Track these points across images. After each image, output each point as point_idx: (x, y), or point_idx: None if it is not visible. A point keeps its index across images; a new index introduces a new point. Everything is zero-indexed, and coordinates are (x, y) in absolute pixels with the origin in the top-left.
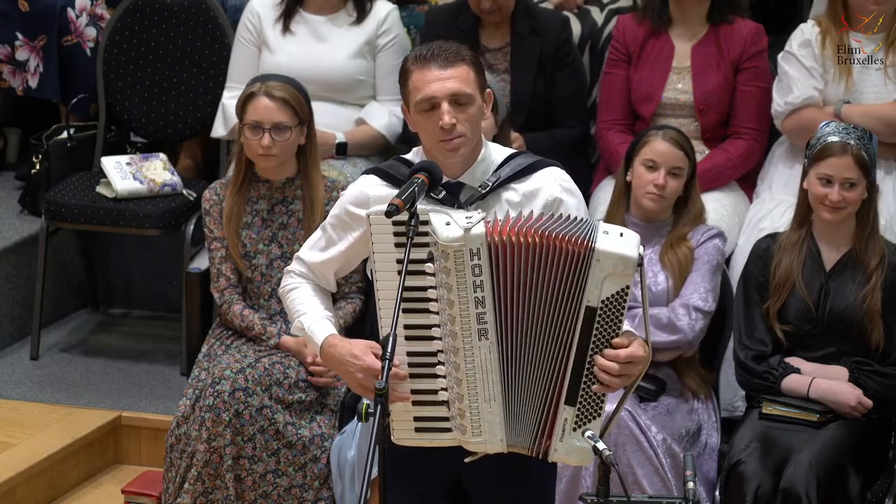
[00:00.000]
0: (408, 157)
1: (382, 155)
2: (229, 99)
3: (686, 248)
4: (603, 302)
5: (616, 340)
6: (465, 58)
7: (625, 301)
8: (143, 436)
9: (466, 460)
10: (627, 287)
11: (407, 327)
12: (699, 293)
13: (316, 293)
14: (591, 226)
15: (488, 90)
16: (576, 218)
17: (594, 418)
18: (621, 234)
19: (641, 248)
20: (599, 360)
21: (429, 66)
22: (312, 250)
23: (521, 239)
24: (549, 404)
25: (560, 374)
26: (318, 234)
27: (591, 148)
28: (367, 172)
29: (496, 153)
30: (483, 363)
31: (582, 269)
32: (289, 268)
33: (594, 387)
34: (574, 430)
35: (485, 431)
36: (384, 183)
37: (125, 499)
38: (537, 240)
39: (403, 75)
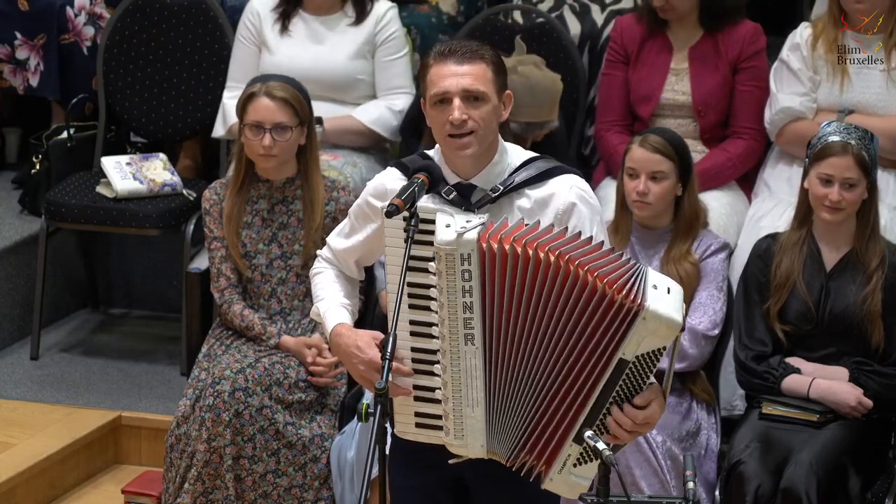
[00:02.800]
0: (430, 153)
1: (383, 151)
2: (229, 99)
3: (689, 263)
4: (636, 358)
5: (638, 399)
6: (484, 56)
7: (658, 359)
8: (143, 436)
9: (450, 462)
10: (664, 347)
11: (413, 323)
12: (708, 317)
13: (338, 279)
14: (638, 273)
15: (508, 92)
16: (622, 254)
17: (595, 460)
18: (668, 290)
19: (683, 306)
20: (617, 413)
21: (446, 61)
22: (339, 236)
23: (530, 252)
24: (554, 432)
25: (575, 412)
26: (344, 220)
27: (591, 149)
28: (390, 165)
29: (514, 156)
30: (468, 368)
31: (624, 323)
32: (319, 251)
33: (602, 437)
34: (574, 466)
35: (466, 435)
36: (403, 177)
37: (125, 499)
38: (572, 269)
39: (423, 70)
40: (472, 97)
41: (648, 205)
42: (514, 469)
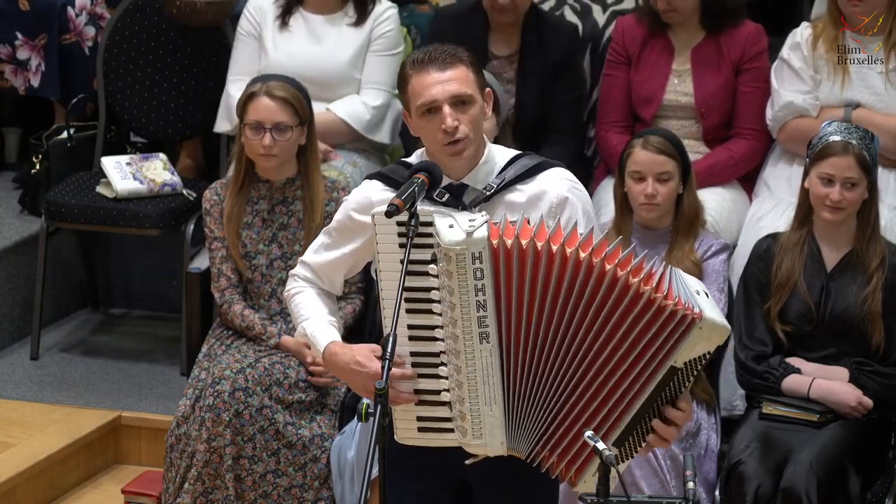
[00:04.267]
0: (409, 160)
1: (383, 152)
2: (238, 91)
3: (691, 262)
4: (686, 364)
5: (682, 404)
6: (462, 58)
7: (704, 362)
8: (143, 436)
9: (466, 462)
10: (711, 352)
11: (410, 327)
12: None
13: (320, 297)
14: (672, 275)
15: (488, 89)
16: (645, 253)
17: (627, 459)
18: (707, 295)
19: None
20: (658, 423)
21: (427, 69)
22: (317, 254)
23: (554, 248)
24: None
25: (618, 417)
26: (321, 237)
27: (593, 150)
28: (369, 177)
29: (499, 155)
30: (484, 366)
31: (679, 331)
32: (293, 271)
33: (649, 437)
34: None
35: (485, 434)
36: (387, 188)
37: (125, 499)
38: (608, 269)
39: (402, 81)
40: (459, 102)
41: (657, 206)
42: (531, 464)
